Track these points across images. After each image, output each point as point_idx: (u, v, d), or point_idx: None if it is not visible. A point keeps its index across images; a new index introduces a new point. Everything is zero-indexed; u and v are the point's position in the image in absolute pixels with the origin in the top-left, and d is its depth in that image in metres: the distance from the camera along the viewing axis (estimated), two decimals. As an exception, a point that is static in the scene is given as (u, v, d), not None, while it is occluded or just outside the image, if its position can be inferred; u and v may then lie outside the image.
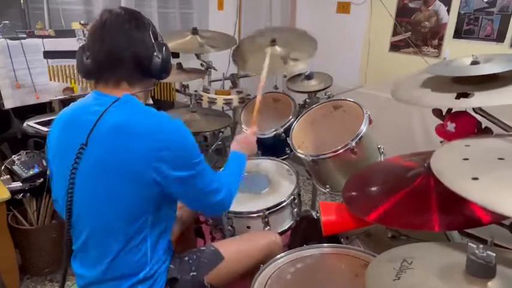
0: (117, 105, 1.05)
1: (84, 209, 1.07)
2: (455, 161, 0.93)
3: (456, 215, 0.99)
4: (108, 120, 1.03)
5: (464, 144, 1.00)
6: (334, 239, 1.45)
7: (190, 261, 1.24)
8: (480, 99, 1.03)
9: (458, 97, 1.05)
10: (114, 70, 1.09)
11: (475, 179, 0.82)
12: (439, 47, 2.84)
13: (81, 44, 1.14)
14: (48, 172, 1.92)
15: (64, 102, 2.33)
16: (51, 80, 2.24)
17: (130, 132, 1.02)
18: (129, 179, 1.02)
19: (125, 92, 1.09)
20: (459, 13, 2.68)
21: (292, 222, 1.60)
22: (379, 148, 1.65)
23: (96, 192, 1.05)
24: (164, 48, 1.13)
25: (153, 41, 1.11)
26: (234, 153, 1.42)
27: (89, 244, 1.11)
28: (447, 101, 1.09)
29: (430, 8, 2.85)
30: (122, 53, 1.07)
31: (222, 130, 2.43)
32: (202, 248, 1.31)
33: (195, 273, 1.21)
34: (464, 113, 1.23)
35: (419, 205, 1.08)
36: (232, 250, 1.31)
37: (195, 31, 2.27)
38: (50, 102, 2.30)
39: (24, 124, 2.05)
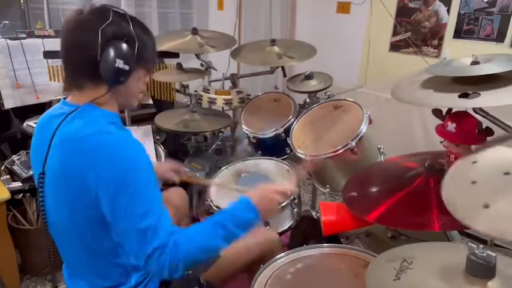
0: (72, 115, 1.00)
1: (55, 219, 1.05)
2: (464, 186, 0.91)
3: (456, 215, 0.99)
4: (62, 131, 0.99)
5: (472, 161, 0.98)
6: (334, 239, 1.45)
7: None
8: (480, 99, 1.03)
9: (460, 97, 1.05)
10: (67, 75, 1.05)
11: (487, 207, 0.81)
12: (439, 47, 2.84)
13: None
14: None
15: (64, 102, 2.33)
16: (51, 80, 2.24)
17: (73, 146, 0.96)
18: (75, 194, 0.97)
19: (89, 96, 1.02)
20: (459, 13, 2.68)
21: (292, 222, 1.60)
22: (379, 148, 1.65)
23: (59, 204, 1.02)
24: (111, 50, 0.96)
25: (99, 40, 0.95)
26: (239, 203, 1.06)
27: (68, 255, 1.11)
28: (450, 101, 1.08)
29: (430, 8, 2.85)
30: (67, 57, 1.02)
31: (222, 130, 2.43)
32: None
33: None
34: (464, 113, 1.23)
35: (419, 205, 1.08)
36: (230, 247, 1.30)
37: (195, 31, 2.27)
38: (50, 102, 2.29)
39: (24, 124, 2.05)
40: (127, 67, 0.99)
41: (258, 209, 1.04)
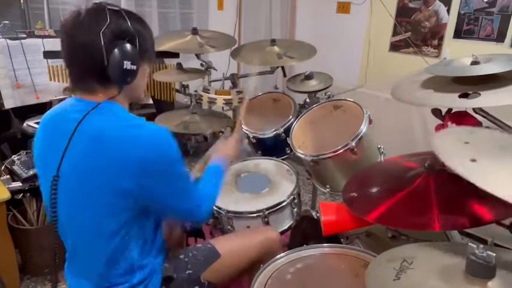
0: (95, 113, 1.00)
1: (67, 218, 1.06)
2: (456, 143, 0.93)
3: (456, 215, 0.99)
4: (87, 129, 1.00)
5: (470, 131, 1.00)
6: (334, 239, 1.45)
7: (186, 259, 1.24)
8: (480, 99, 1.03)
9: (460, 97, 1.05)
10: (71, 74, 1.05)
11: (473, 160, 0.83)
12: (439, 47, 2.84)
13: None
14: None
15: (64, 102, 2.33)
16: (51, 80, 2.24)
17: (106, 142, 0.98)
18: (106, 190, 0.98)
19: (102, 96, 1.03)
20: (459, 13, 2.68)
21: (292, 222, 1.60)
22: (379, 148, 1.65)
23: (76, 202, 1.03)
24: (116, 52, 0.97)
25: (101, 43, 0.96)
26: (214, 164, 1.34)
27: (77, 254, 1.11)
28: (450, 101, 1.09)
29: (430, 8, 2.85)
30: (72, 61, 1.03)
31: (222, 130, 2.43)
32: (199, 246, 1.31)
33: (191, 271, 1.21)
34: (464, 113, 1.23)
35: (419, 205, 1.08)
36: (229, 246, 1.31)
37: (195, 31, 2.27)
38: (50, 102, 2.30)
39: (24, 124, 2.06)
40: (134, 67, 1.01)
41: (225, 159, 1.37)
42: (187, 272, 1.21)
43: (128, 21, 1.01)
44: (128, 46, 0.99)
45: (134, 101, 1.19)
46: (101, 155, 0.97)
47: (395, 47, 3.10)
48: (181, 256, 1.25)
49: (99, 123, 1.00)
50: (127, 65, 0.99)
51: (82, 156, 0.99)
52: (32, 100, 2.24)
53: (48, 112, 1.13)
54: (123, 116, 1.04)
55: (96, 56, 0.97)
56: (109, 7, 1.00)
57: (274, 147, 1.92)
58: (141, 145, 0.98)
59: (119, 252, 1.06)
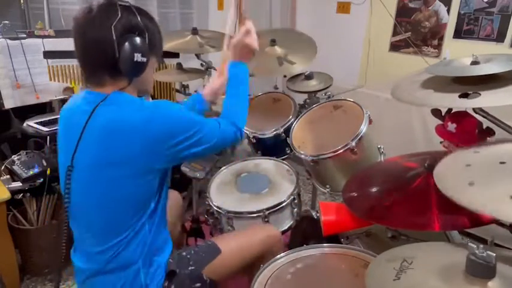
0: (105, 104, 1.06)
1: (81, 204, 1.11)
2: (458, 167, 0.93)
3: (456, 215, 0.99)
4: (98, 121, 1.05)
5: (474, 151, 0.99)
6: (334, 239, 1.45)
7: (188, 256, 1.25)
8: (480, 99, 1.03)
9: (460, 97, 1.05)
10: (85, 69, 1.11)
11: (471, 184, 0.82)
12: (439, 47, 2.84)
13: None
14: (48, 172, 1.93)
15: (64, 102, 2.32)
16: (51, 80, 2.24)
17: (121, 130, 1.03)
18: (128, 175, 1.04)
19: (112, 88, 1.09)
20: (459, 13, 2.68)
21: (292, 222, 1.60)
22: (379, 148, 1.65)
23: (93, 191, 1.08)
24: (128, 45, 1.02)
25: (113, 37, 1.01)
26: (232, 68, 1.35)
27: (89, 236, 1.14)
28: (450, 101, 1.08)
29: (430, 8, 2.85)
30: (84, 55, 1.08)
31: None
32: (200, 243, 1.32)
33: (193, 267, 1.22)
34: (464, 113, 1.23)
35: (419, 205, 1.08)
36: (230, 243, 1.32)
37: (195, 31, 2.27)
38: (50, 102, 2.30)
39: (24, 124, 2.05)
40: (144, 59, 1.06)
41: (243, 61, 1.35)
42: (189, 268, 1.22)
43: (138, 16, 1.06)
44: (138, 39, 1.04)
45: (144, 94, 1.23)
46: (118, 144, 1.02)
47: (395, 47, 3.10)
48: (184, 253, 1.26)
49: (109, 114, 1.04)
50: (137, 57, 1.04)
51: (98, 147, 1.04)
52: (32, 100, 2.24)
53: (64, 105, 1.21)
54: (132, 102, 1.09)
55: (108, 49, 1.01)
56: (120, 3, 1.05)
57: (274, 147, 1.92)
58: (155, 125, 1.04)
59: (133, 229, 1.10)
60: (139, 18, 1.06)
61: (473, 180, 0.84)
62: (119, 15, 1.02)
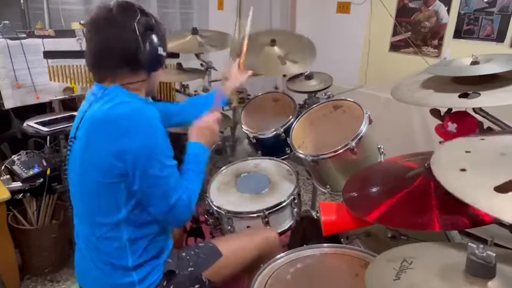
0: (100, 97, 1.11)
1: (73, 192, 1.20)
2: (457, 152, 0.93)
3: (456, 215, 0.99)
4: (89, 113, 1.11)
5: (480, 138, 1.00)
6: (334, 239, 1.45)
7: (188, 257, 1.25)
8: (480, 99, 1.03)
9: (460, 97, 1.05)
10: (98, 65, 1.15)
11: (463, 170, 0.82)
12: (439, 47, 2.84)
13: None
14: (48, 172, 1.93)
15: (64, 102, 2.33)
16: (51, 80, 2.24)
17: (99, 123, 1.08)
18: (98, 172, 1.07)
19: (114, 83, 1.14)
20: (459, 13, 2.68)
21: (292, 222, 1.60)
22: (379, 148, 1.65)
23: (78, 180, 1.15)
24: (150, 41, 1.11)
25: (137, 34, 1.09)
26: (194, 147, 1.27)
27: (80, 220, 1.22)
28: (450, 101, 1.08)
29: (430, 8, 2.85)
30: (101, 51, 1.12)
31: (222, 130, 2.43)
32: (201, 244, 1.32)
33: (192, 268, 1.23)
34: (464, 113, 1.23)
35: (419, 205, 1.08)
36: (231, 247, 1.32)
37: (195, 31, 2.27)
38: (50, 102, 2.30)
39: (24, 124, 2.05)
40: (165, 53, 1.18)
41: (206, 145, 1.29)
42: (189, 269, 1.22)
43: (151, 17, 1.16)
44: (156, 35, 1.14)
45: (150, 94, 1.28)
46: (95, 137, 1.08)
47: (395, 47, 3.10)
48: (183, 254, 1.26)
49: (99, 107, 1.10)
50: (160, 50, 1.15)
51: (82, 138, 1.11)
52: (32, 100, 2.24)
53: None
54: (121, 99, 1.11)
55: (132, 44, 1.08)
56: (135, 5, 1.14)
57: (274, 147, 1.92)
58: (126, 123, 1.06)
59: (110, 230, 1.13)
60: (153, 20, 1.15)
61: (465, 167, 0.84)
62: (139, 14, 1.11)
